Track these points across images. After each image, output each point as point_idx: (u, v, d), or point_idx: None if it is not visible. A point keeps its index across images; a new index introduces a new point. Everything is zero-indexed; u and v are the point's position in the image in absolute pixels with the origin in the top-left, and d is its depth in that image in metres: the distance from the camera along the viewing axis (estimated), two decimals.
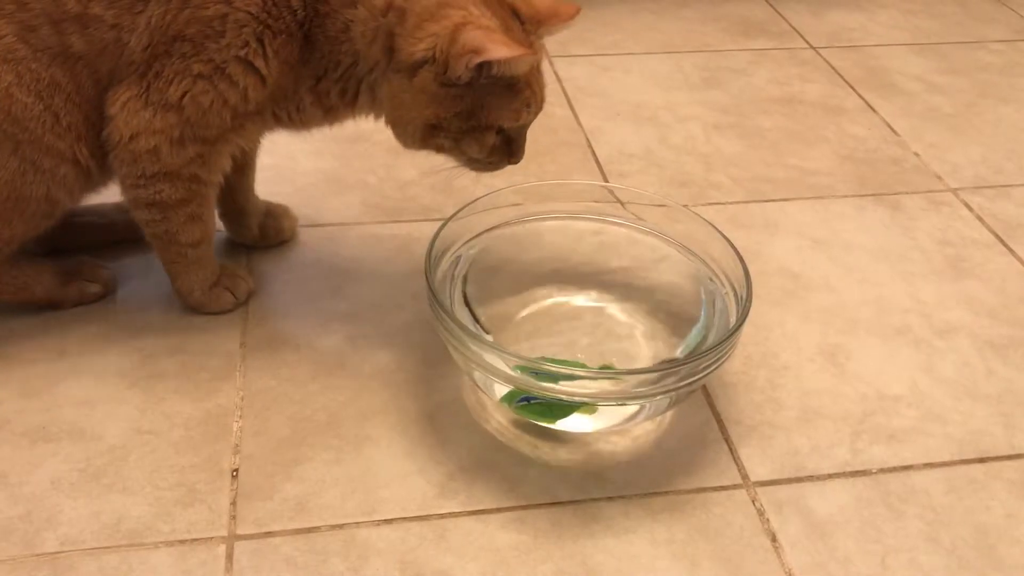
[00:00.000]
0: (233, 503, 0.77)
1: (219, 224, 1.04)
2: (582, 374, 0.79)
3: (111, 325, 0.94)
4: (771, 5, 1.76)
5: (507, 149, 0.87)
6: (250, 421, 0.84)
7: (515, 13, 0.83)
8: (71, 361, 0.89)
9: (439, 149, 0.86)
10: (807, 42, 1.62)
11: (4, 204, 0.85)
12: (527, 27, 0.83)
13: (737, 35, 1.64)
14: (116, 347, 0.91)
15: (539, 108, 0.85)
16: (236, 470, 0.80)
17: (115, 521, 0.75)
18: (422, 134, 0.83)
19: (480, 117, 0.81)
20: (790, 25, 1.68)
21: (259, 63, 0.81)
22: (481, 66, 0.77)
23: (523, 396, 0.79)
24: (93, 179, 0.89)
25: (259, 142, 0.99)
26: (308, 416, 0.85)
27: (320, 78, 0.85)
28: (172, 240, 0.91)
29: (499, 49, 0.76)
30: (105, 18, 0.80)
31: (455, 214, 0.91)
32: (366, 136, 1.27)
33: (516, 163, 0.88)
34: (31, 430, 0.82)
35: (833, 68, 1.53)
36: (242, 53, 0.80)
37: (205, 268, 0.95)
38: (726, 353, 0.80)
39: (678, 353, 0.88)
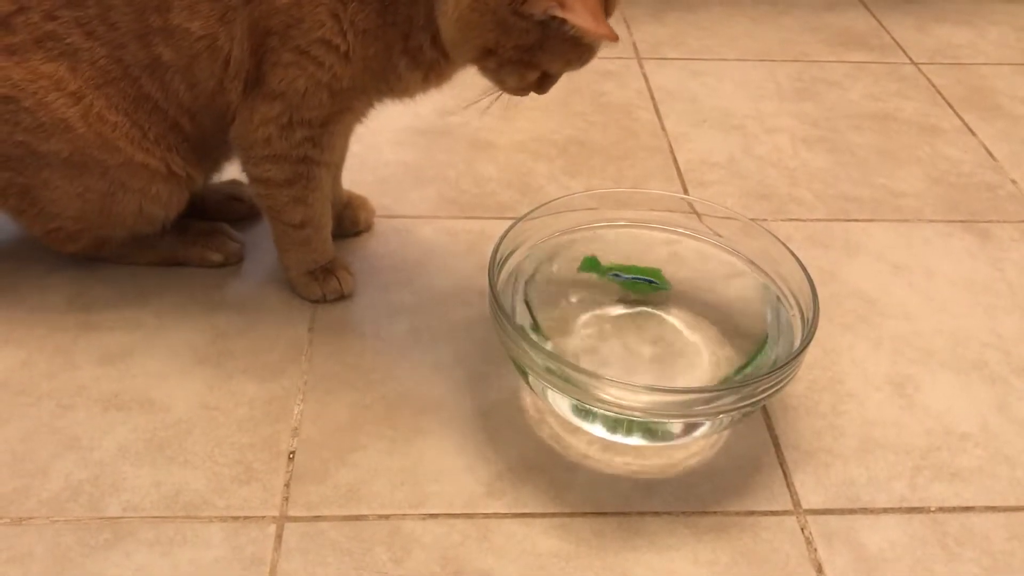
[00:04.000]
0: (287, 484, 0.79)
1: None
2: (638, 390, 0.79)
3: (188, 299, 0.97)
4: (875, 16, 1.71)
5: (541, 83, 0.86)
6: (311, 405, 0.86)
7: None
8: (147, 332, 0.93)
9: (484, 70, 0.85)
10: (908, 57, 1.57)
11: (98, 218, 0.91)
12: None
13: (836, 46, 1.60)
14: (191, 322, 0.95)
15: (588, 62, 0.84)
16: (293, 452, 0.82)
17: (174, 492, 0.78)
18: (477, 53, 0.82)
19: (535, 55, 0.80)
20: (892, 38, 1.63)
21: (337, 40, 0.82)
22: (555, 16, 0.75)
23: (614, 271, 0.85)
24: (195, 182, 0.94)
25: (351, 129, 1.01)
26: (367, 404, 0.87)
27: (408, 35, 0.84)
28: (277, 217, 0.95)
29: (583, 15, 0.74)
30: (191, 29, 0.83)
31: (525, 215, 0.92)
32: (450, 130, 1.29)
33: (542, 95, 0.88)
34: (105, 397, 0.86)
35: (933, 86, 1.48)
36: (319, 34, 0.82)
37: (307, 252, 0.97)
38: (787, 377, 0.79)
39: (740, 372, 0.87)
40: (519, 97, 0.87)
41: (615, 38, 0.76)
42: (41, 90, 0.84)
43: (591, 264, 0.93)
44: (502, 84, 0.85)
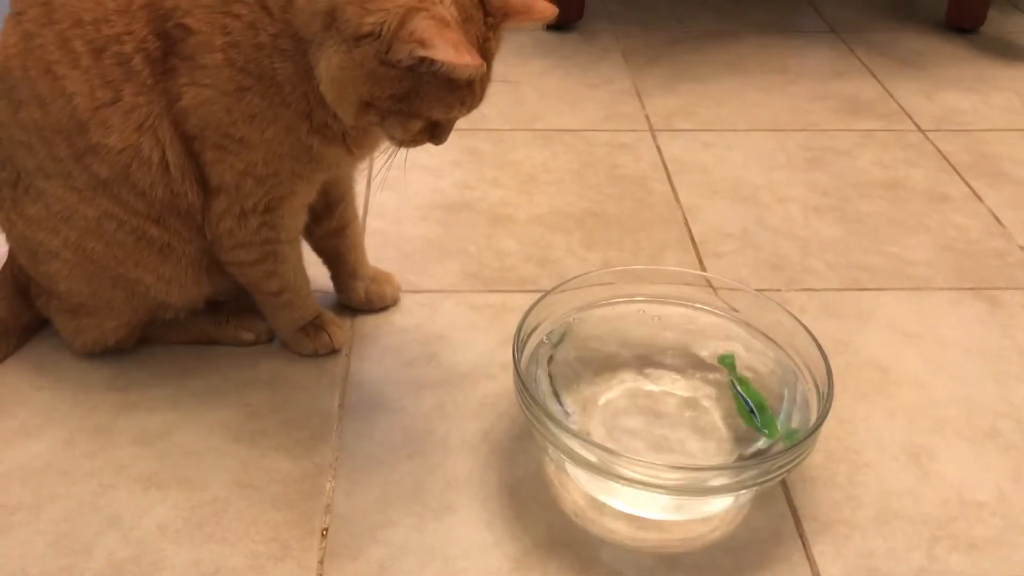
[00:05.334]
0: (321, 561, 0.82)
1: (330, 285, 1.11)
2: (658, 468, 0.81)
3: (223, 378, 1.01)
4: (881, 84, 1.75)
5: (432, 132, 0.85)
6: (342, 482, 0.89)
7: (481, 0, 0.80)
8: (184, 411, 0.96)
9: (370, 125, 0.84)
10: (916, 124, 1.61)
11: (126, 304, 0.98)
12: (490, 20, 0.80)
13: (844, 114, 1.64)
14: (225, 400, 0.98)
15: (475, 106, 0.83)
16: (326, 529, 0.85)
17: (213, 570, 0.81)
18: (356, 110, 0.81)
19: (413, 103, 0.79)
20: (899, 105, 1.67)
21: (232, 130, 0.86)
22: (422, 58, 0.74)
23: (740, 381, 0.88)
24: (201, 287, 0.99)
25: (353, 207, 1.06)
26: (396, 481, 0.90)
27: (309, 115, 0.85)
28: (256, 289, 1.01)
29: (446, 50, 0.73)
30: (110, 144, 0.87)
31: (545, 295, 0.95)
32: (470, 204, 1.33)
33: (437, 145, 0.87)
34: (144, 476, 0.89)
35: (941, 153, 1.52)
36: (224, 130, 0.86)
37: (291, 312, 1.02)
38: (805, 452, 0.82)
39: (758, 446, 0.90)
40: (415, 149, 0.87)
41: (479, 63, 0.74)
42: (32, 229, 0.94)
43: (728, 362, 0.95)
44: (391, 138, 0.85)
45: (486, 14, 0.80)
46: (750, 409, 0.89)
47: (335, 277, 1.11)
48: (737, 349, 0.96)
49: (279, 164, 0.89)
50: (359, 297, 1.11)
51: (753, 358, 0.97)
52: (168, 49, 0.84)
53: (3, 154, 0.94)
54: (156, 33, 0.84)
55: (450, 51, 0.73)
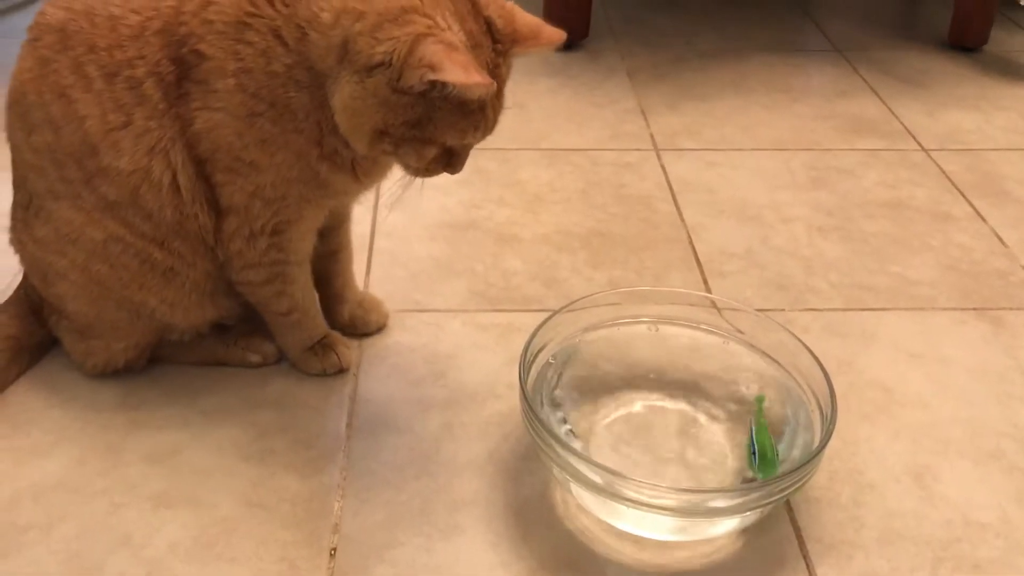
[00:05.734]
0: None
1: None
2: (663, 491, 0.82)
3: (232, 397, 1.02)
4: (884, 103, 1.76)
5: (447, 161, 0.87)
6: (350, 501, 0.90)
7: (489, 27, 0.82)
8: (193, 431, 0.98)
9: (384, 153, 0.85)
10: (919, 144, 1.62)
11: (131, 325, 0.99)
12: (499, 46, 0.82)
13: (848, 133, 1.65)
14: (234, 419, 0.99)
15: (489, 131, 0.85)
16: (334, 549, 0.86)
17: None
18: (370, 139, 0.83)
19: (426, 129, 0.81)
20: (903, 125, 1.68)
21: (243, 153, 0.87)
22: (435, 82, 0.76)
23: (760, 423, 0.87)
24: (205, 310, 1.00)
25: (348, 232, 1.08)
26: (403, 501, 0.91)
27: (320, 141, 0.87)
28: (265, 309, 1.02)
29: (456, 72, 0.75)
30: (121, 167, 0.89)
31: (551, 315, 0.96)
32: (477, 223, 1.35)
33: (453, 174, 0.88)
34: (155, 495, 0.90)
35: (944, 172, 1.53)
36: (235, 153, 0.88)
37: (299, 332, 1.04)
38: (808, 474, 0.83)
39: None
40: (431, 178, 0.89)
41: (489, 82, 0.76)
42: (41, 251, 0.96)
43: (759, 403, 0.94)
44: (406, 166, 0.87)
45: (495, 41, 0.82)
46: (753, 452, 0.89)
47: (322, 299, 1.10)
48: (769, 393, 0.96)
49: (288, 188, 0.90)
50: (343, 320, 1.11)
51: (759, 379, 0.97)
52: (183, 74, 0.86)
53: (17, 176, 0.96)
54: (171, 59, 0.86)
55: (459, 72, 0.75)
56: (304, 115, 0.85)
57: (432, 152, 0.84)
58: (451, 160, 0.87)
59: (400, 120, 0.80)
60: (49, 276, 0.97)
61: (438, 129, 0.81)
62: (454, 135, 0.82)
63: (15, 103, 0.92)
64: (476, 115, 0.81)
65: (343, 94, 0.81)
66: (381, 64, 0.77)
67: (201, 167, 0.90)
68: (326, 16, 0.80)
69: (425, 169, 0.86)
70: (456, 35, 0.78)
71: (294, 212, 0.93)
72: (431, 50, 0.75)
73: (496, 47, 0.82)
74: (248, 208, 0.92)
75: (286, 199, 0.91)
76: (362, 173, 0.92)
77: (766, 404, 0.94)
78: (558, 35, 0.84)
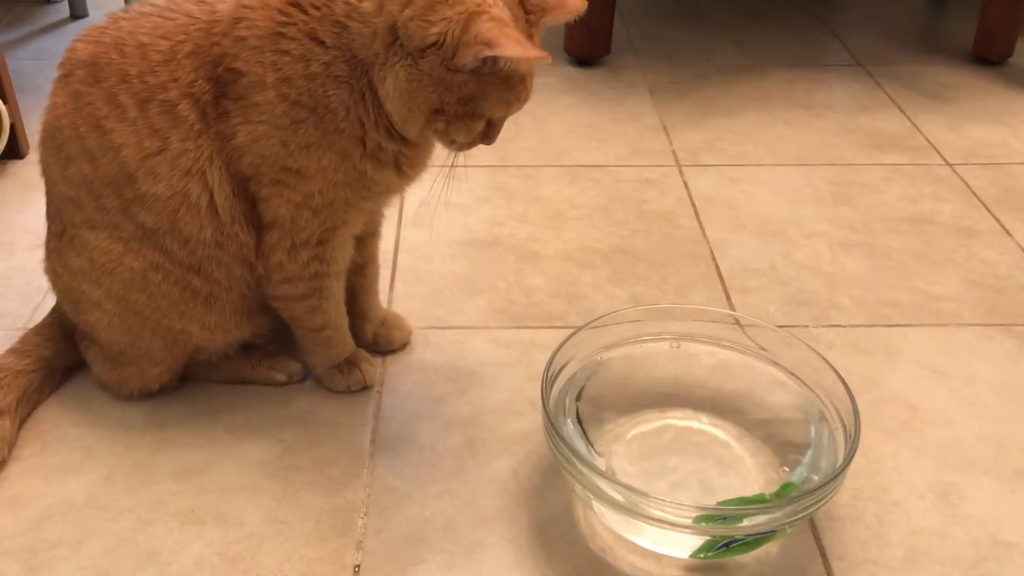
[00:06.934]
0: None
1: None
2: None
3: (257, 414, 1.03)
4: (908, 117, 1.76)
5: (486, 134, 0.90)
6: (374, 518, 0.91)
7: (520, 1, 0.85)
8: (219, 448, 0.99)
9: (435, 133, 0.89)
10: (943, 158, 1.61)
11: (165, 352, 1.00)
12: (531, 16, 0.86)
13: (871, 148, 1.65)
14: (259, 437, 1.00)
15: (526, 101, 0.88)
16: (358, 566, 0.86)
17: None
18: (426, 119, 0.86)
19: (477, 104, 0.84)
20: (927, 139, 1.68)
21: (289, 162, 0.89)
22: (486, 58, 0.79)
23: (721, 543, 0.82)
24: (229, 333, 1.01)
25: (376, 245, 1.10)
26: (427, 518, 0.91)
27: (363, 139, 0.89)
28: (298, 324, 1.03)
29: (512, 46, 0.78)
30: (158, 192, 0.90)
31: (573, 333, 0.96)
32: (499, 240, 1.35)
33: (489, 145, 0.92)
34: (181, 512, 0.91)
35: (968, 187, 1.52)
36: (281, 163, 0.89)
37: (328, 349, 1.05)
38: (832, 491, 0.82)
39: (788, 486, 0.90)
40: (467, 151, 0.92)
41: (545, 56, 0.80)
42: (75, 280, 0.97)
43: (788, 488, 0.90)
44: (452, 143, 0.90)
45: (526, 11, 0.86)
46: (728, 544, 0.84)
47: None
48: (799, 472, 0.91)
49: (335, 193, 0.92)
50: (366, 338, 1.12)
51: (782, 396, 0.97)
52: (220, 92, 0.88)
53: (51, 209, 0.97)
54: (207, 79, 0.88)
55: (516, 47, 0.78)
56: (344, 112, 0.87)
57: (480, 126, 0.87)
58: (489, 132, 0.90)
59: (455, 97, 0.83)
60: (81, 304, 0.98)
61: (487, 103, 0.85)
62: (500, 107, 0.86)
63: (49, 138, 0.94)
64: (518, 87, 0.85)
65: (398, 78, 0.83)
66: (434, 44, 0.80)
67: (242, 185, 0.91)
68: (367, 5, 0.83)
69: (469, 143, 0.89)
70: (502, 11, 0.81)
71: (339, 218, 0.94)
72: (485, 27, 0.79)
73: (528, 18, 0.85)
74: (295, 219, 0.93)
75: (333, 205, 0.93)
76: (407, 166, 0.94)
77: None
78: (581, 3, 0.87)
